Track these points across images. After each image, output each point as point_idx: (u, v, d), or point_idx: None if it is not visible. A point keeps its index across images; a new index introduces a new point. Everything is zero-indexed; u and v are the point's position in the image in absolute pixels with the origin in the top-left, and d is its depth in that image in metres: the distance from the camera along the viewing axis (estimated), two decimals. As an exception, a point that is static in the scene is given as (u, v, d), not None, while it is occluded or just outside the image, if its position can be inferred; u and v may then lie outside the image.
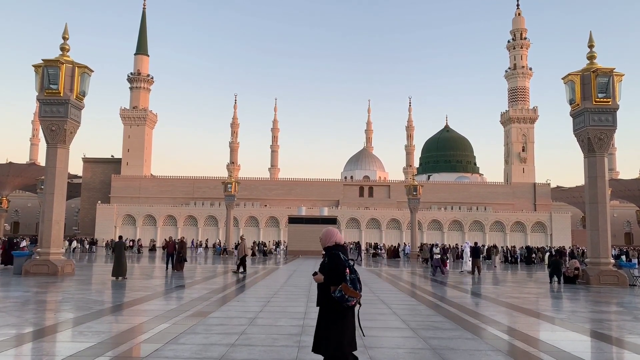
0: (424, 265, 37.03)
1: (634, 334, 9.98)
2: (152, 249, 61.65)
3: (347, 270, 5.29)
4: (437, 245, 30.15)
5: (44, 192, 22.61)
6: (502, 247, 60.34)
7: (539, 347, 8.53)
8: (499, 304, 14.72)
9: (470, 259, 28.99)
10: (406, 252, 56.65)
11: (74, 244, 55.29)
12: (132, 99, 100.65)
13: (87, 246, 58.25)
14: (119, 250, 20.74)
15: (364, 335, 5.85)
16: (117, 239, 23.05)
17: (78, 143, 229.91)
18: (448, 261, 33.64)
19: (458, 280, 24.02)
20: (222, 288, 17.88)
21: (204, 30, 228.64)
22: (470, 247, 29.51)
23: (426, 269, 31.86)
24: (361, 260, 46.42)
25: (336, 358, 5.32)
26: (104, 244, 68.37)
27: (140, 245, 62.85)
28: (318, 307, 5.54)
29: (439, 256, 27.35)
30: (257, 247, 53.90)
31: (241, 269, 24.74)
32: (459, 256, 43.42)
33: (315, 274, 5.50)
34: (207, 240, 76.06)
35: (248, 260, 35.98)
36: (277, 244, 64.70)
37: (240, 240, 27.01)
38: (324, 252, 5.57)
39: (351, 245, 53.59)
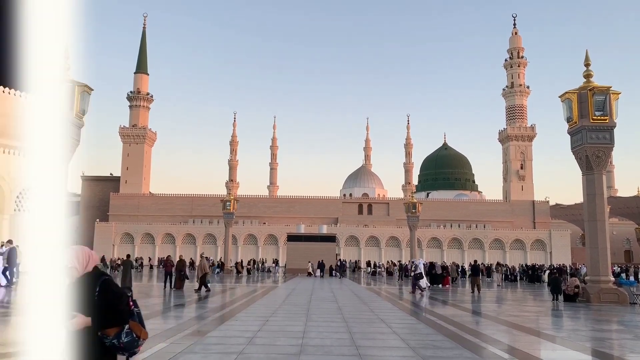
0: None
1: (635, 353, 9.91)
2: (140, 266, 60.98)
3: (131, 303, 3.73)
4: (412, 262, 29.61)
5: (43, 210, 22.59)
6: (500, 265, 60.13)
7: (540, 366, 8.46)
8: (499, 322, 14.63)
9: (427, 276, 29.30)
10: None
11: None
12: (132, 117, 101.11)
13: None
14: (126, 268, 21.52)
15: None
16: (125, 258, 23.70)
17: (77, 161, 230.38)
18: (449, 277, 33.53)
19: (458, 298, 23.90)
20: (220, 307, 17.76)
21: (204, 48, 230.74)
22: (471, 264, 29.41)
23: (430, 288, 31.25)
24: (344, 276, 46.37)
25: None
26: (100, 261, 68.08)
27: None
28: None
29: (414, 273, 27.46)
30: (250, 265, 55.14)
31: (204, 288, 23.59)
32: (406, 274, 41.48)
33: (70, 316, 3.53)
34: (191, 259, 64.24)
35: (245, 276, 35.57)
36: (256, 262, 63.70)
37: (200, 258, 26.46)
38: (73, 281, 3.67)
39: (342, 261, 54.00)
